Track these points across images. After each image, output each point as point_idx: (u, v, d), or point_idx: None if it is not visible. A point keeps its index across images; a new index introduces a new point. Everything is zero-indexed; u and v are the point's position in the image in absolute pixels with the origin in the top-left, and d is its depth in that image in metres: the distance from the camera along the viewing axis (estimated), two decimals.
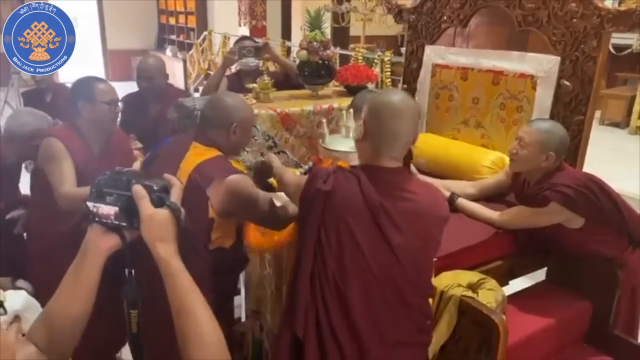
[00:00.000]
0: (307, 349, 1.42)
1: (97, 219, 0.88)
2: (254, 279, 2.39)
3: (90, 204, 0.88)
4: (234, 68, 3.35)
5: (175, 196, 0.91)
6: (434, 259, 1.61)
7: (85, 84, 2.18)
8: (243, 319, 2.55)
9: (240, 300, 2.55)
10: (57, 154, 2.08)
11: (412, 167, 2.36)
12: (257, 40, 3.44)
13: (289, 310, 1.51)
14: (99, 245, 0.88)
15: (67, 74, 12.02)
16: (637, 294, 2.15)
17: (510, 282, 2.20)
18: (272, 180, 2.05)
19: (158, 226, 0.87)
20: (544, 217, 1.99)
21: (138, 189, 0.87)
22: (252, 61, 3.12)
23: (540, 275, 2.38)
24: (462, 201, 2.20)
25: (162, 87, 2.91)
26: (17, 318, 1.01)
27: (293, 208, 1.79)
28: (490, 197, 2.30)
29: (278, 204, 1.82)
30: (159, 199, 0.88)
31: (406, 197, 1.44)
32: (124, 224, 0.87)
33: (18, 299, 1.05)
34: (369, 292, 1.41)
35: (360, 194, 1.42)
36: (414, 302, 1.47)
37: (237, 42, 3.26)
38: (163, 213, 0.87)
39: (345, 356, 1.40)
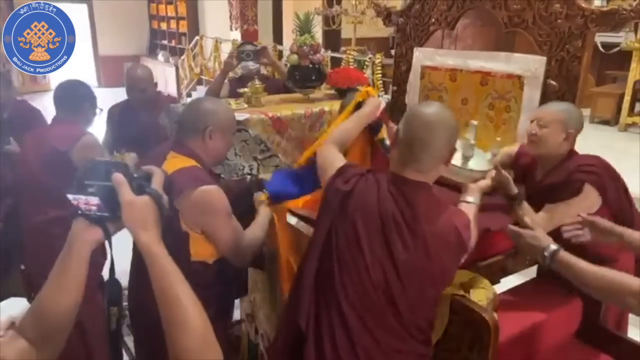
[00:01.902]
0: (307, 346, 1.44)
1: (79, 211, 0.88)
2: (249, 283, 2.41)
3: (71, 197, 0.87)
4: (237, 72, 3.39)
5: (156, 183, 0.91)
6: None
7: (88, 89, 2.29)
8: (237, 323, 2.56)
9: (235, 304, 2.56)
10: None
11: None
12: (256, 44, 3.47)
13: (291, 305, 1.54)
14: (84, 238, 0.89)
15: (59, 80, 12.02)
16: None
17: (502, 280, 2.22)
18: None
19: (139, 213, 0.87)
20: (576, 205, 1.91)
21: (118, 177, 0.87)
22: (251, 65, 3.17)
23: (532, 272, 2.41)
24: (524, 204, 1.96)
25: (152, 96, 2.92)
26: (13, 325, 1.00)
27: (255, 242, 1.79)
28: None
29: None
30: (139, 186, 0.88)
31: (422, 218, 1.40)
32: (106, 214, 0.87)
33: (17, 304, 1.06)
34: (365, 298, 1.42)
35: (376, 202, 1.41)
36: (410, 320, 1.45)
37: (239, 47, 3.31)
38: (144, 199, 0.88)
39: (341, 357, 1.41)
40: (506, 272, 2.24)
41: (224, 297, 1.89)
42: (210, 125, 1.71)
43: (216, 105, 1.81)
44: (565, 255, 1.47)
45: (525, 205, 1.94)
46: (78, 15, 11.22)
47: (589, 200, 1.95)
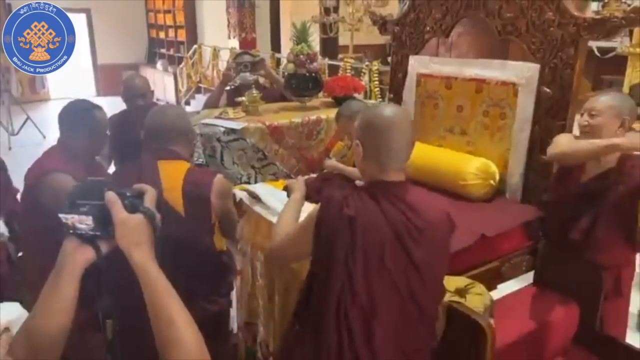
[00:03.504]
0: None
1: (71, 230, 0.87)
2: (246, 291, 2.42)
3: (62, 216, 0.86)
4: (235, 81, 3.42)
5: (149, 201, 0.91)
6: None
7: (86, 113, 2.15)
8: (235, 331, 2.57)
9: (233, 313, 2.57)
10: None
11: None
12: (254, 55, 3.50)
13: (309, 340, 1.45)
14: (75, 257, 0.87)
15: (59, 89, 11.99)
16: (621, 291, 2.20)
17: (498, 286, 2.24)
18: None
19: (132, 231, 0.87)
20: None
21: (110, 195, 0.87)
22: (249, 76, 3.20)
23: (528, 277, 2.42)
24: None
25: (150, 106, 2.93)
26: (6, 330, 1.01)
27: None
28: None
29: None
30: (132, 205, 0.88)
31: (418, 211, 1.43)
32: (99, 233, 0.87)
33: (11, 310, 1.06)
34: (394, 312, 1.41)
35: (382, 218, 1.40)
36: (430, 311, 1.50)
37: (236, 57, 3.34)
38: (137, 218, 0.87)
39: None
40: (503, 278, 2.26)
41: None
42: (191, 130, 1.90)
43: (184, 110, 2.03)
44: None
45: None
46: (77, 24, 11.22)
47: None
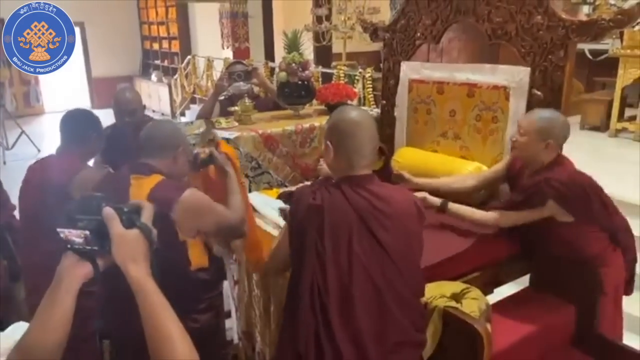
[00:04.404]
0: None
1: (69, 245, 0.88)
2: (243, 301, 2.41)
3: (60, 230, 0.88)
4: (229, 91, 3.42)
5: (146, 217, 0.92)
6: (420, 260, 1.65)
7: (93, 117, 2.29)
8: (236, 341, 2.55)
9: (232, 323, 2.55)
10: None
11: (406, 174, 2.41)
12: (246, 64, 3.50)
13: (288, 327, 1.53)
14: (73, 273, 0.88)
15: (53, 102, 11.98)
16: (620, 295, 2.20)
17: (495, 290, 2.23)
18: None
19: (129, 246, 0.88)
20: (537, 214, 2.03)
21: (108, 211, 0.88)
22: (243, 85, 3.20)
23: (524, 281, 2.42)
24: (453, 206, 2.20)
25: (141, 119, 2.91)
26: None
27: (240, 213, 1.86)
28: (483, 202, 2.38)
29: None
30: (129, 220, 0.89)
31: (384, 200, 1.53)
32: (96, 247, 0.88)
33: (22, 329, 1.05)
34: (370, 298, 1.46)
35: (347, 204, 1.50)
36: (411, 302, 1.54)
37: (229, 66, 3.34)
38: (134, 233, 0.89)
39: None
40: (499, 283, 2.25)
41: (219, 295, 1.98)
42: (180, 144, 1.81)
43: (177, 125, 1.95)
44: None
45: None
46: None
47: (546, 210, 2.01)
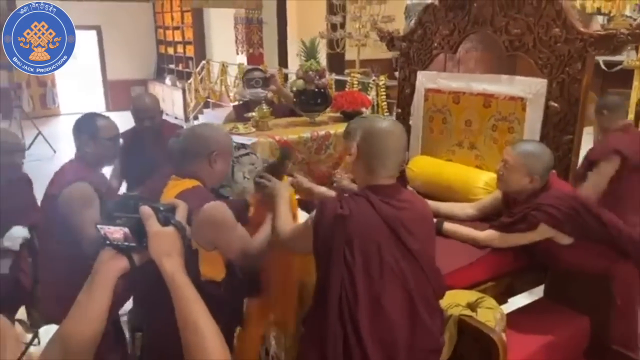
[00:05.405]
0: None
1: (107, 241, 0.94)
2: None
3: (100, 227, 0.93)
4: (245, 96, 3.47)
5: (181, 215, 0.98)
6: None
7: (88, 121, 2.25)
8: None
9: None
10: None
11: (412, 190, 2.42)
12: (264, 71, 3.55)
13: (314, 337, 1.52)
14: (110, 267, 0.93)
15: (69, 105, 12.14)
16: (633, 307, 2.19)
17: (509, 300, 2.24)
18: (285, 178, 2.07)
19: (164, 242, 0.94)
20: (530, 237, 2.05)
21: (145, 210, 0.94)
22: (261, 92, 3.24)
23: (539, 291, 2.42)
24: (448, 225, 2.22)
25: (159, 124, 2.95)
26: None
27: (262, 243, 1.81)
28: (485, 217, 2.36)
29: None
30: (165, 218, 0.95)
31: (407, 207, 1.56)
32: (133, 244, 0.93)
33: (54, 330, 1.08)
34: (401, 307, 1.48)
35: (374, 213, 1.52)
36: (436, 306, 1.57)
37: (246, 73, 3.39)
38: (169, 230, 0.95)
39: None
40: (514, 292, 2.26)
41: (232, 313, 1.92)
42: (215, 149, 1.81)
43: (217, 130, 1.92)
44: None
45: None
46: (87, 41, 11.47)
47: (539, 234, 2.02)
